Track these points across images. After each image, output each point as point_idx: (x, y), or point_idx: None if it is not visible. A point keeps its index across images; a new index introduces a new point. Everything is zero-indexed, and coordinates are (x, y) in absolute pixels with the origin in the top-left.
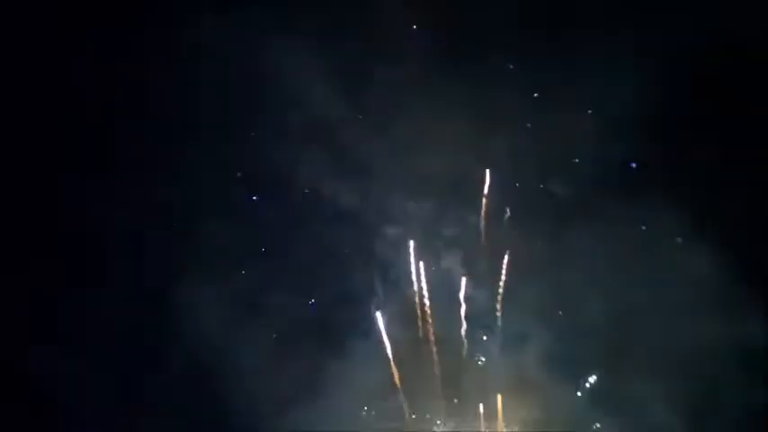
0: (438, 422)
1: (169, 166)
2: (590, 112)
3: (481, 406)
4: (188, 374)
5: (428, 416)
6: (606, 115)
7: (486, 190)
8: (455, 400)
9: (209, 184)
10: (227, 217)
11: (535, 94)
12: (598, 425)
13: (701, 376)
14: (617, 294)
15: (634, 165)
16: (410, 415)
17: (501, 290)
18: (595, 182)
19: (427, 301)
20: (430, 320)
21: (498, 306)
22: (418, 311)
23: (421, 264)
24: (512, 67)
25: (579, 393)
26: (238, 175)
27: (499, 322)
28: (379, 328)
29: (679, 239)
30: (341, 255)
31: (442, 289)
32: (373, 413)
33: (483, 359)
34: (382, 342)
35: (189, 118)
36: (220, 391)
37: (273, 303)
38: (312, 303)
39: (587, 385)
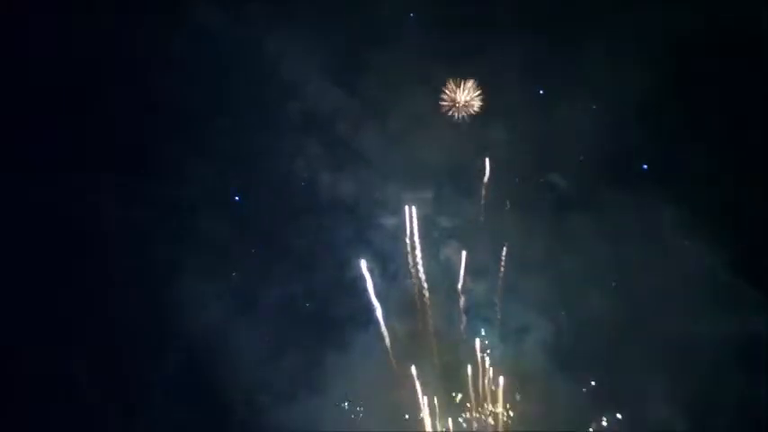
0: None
1: (166, 161)
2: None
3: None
4: (187, 368)
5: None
6: (609, 110)
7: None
8: (458, 395)
9: (207, 177)
10: (224, 210)
11: (541, 91)
12: (604, 422)
13: (701, 371)
14: (619, 289)
15: (645, 166)
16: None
17: (500, 283)
18: (597, 176)
19: (426, 293)
20: (429, 312)
21: (498, 300)
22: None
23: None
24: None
25: (581, 386)
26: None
27: (498, 315)
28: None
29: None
30: (339, 245)
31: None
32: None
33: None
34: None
35: (185, 110)
36: (218, 385)
37: (271, 296)
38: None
39: (590, 381)
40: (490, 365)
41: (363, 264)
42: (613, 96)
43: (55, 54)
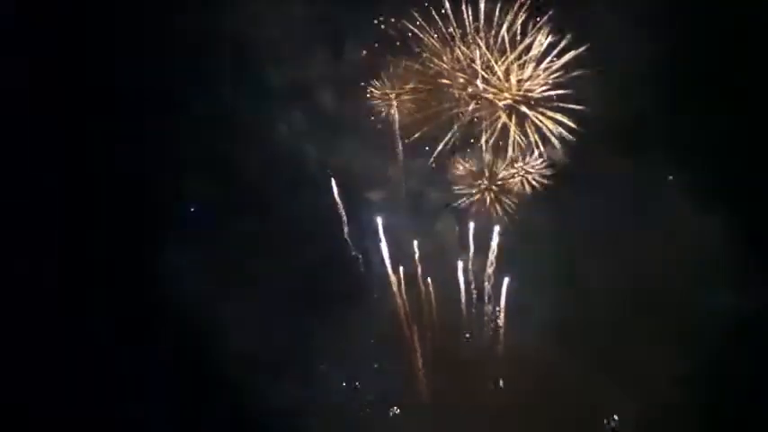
0: None
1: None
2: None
3: None
4: (175, 343)
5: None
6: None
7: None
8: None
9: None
10: (213, 178)
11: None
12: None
13: (708, 346)
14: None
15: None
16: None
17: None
18: (605, 146)
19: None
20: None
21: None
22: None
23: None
24: None
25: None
26: None
27: (503, 291)
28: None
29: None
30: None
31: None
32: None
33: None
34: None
35: (165, 75)
36: (206, 361)
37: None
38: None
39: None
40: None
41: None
42: (618, 58)
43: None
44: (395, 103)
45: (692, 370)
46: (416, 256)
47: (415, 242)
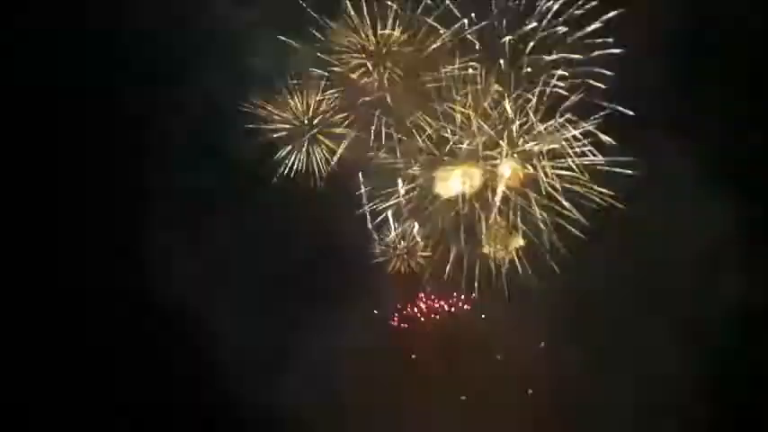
0: None
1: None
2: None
3: None
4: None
5: None
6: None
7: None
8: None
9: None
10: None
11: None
12: None
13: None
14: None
15: None
16: None
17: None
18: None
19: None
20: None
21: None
22: None
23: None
24: None
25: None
26: None
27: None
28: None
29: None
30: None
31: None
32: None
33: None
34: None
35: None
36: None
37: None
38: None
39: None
40: None
41: None
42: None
43: None
44: (388, 96)
45: (700, 369)
46: (413, 247)
47: (407, 232)
